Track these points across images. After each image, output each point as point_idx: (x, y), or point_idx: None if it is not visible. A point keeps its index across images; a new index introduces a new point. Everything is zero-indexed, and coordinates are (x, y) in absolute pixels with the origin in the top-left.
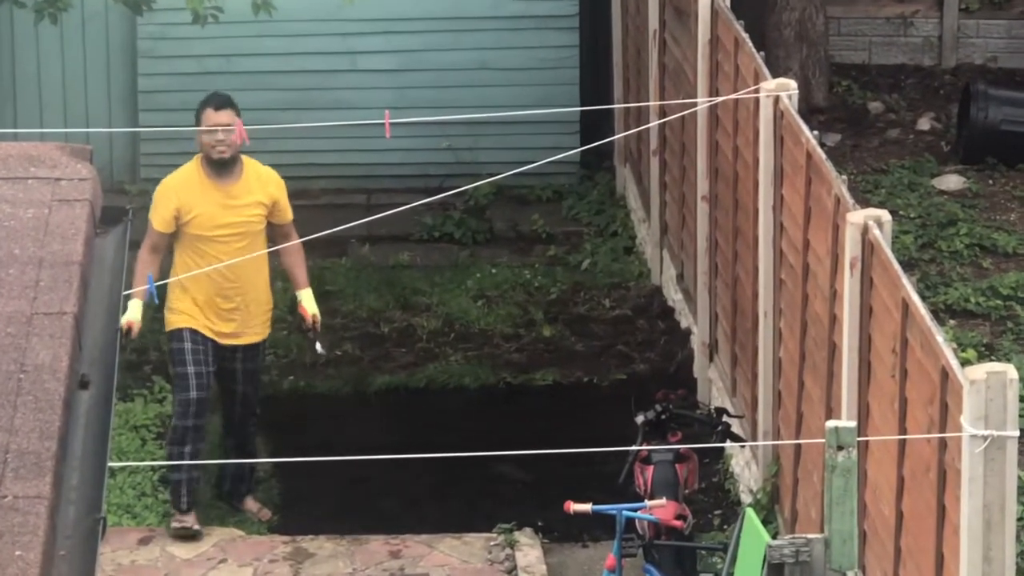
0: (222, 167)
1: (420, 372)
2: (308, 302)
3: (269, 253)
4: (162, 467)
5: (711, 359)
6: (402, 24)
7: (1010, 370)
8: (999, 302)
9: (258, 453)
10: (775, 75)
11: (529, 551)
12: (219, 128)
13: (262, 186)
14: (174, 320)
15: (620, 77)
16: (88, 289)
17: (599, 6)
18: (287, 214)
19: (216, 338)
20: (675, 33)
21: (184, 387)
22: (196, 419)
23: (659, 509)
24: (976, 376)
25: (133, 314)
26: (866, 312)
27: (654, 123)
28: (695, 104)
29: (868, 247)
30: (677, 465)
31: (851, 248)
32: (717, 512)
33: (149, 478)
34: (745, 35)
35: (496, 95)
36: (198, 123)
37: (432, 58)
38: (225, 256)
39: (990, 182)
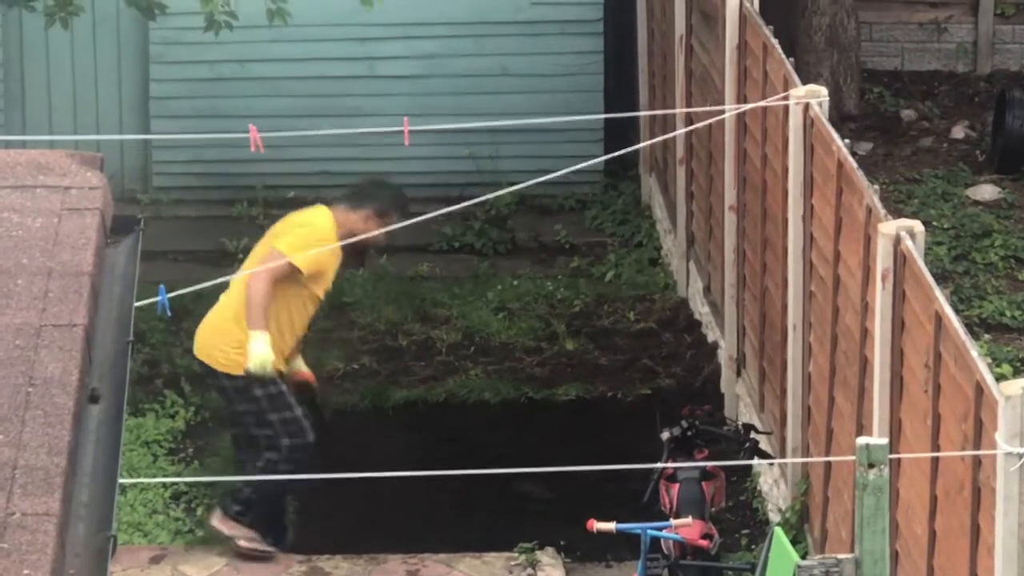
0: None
1: (439, 386)
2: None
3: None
4: (173, 483)
5: (739, 374)
6: (422, 29)
7: None
8: None
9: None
10: (805, 82)
11: (551, 571)
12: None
13: None
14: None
15: (645, 83)
16: (98, 300)
17: (624, 10)
18: None
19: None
20: (702, 38)
21: (300, 431)
22: (305, 460)
23: (685, 528)
24: (1012, 392)
25: (269, 354)
26: (898, 325)
27: (680, 131)
28: (723, 111)
29: (900, 259)
30: (703, 483)
31: (883, 260)
32: (745, 531)
33: (160, 495)
34: (774, 40)
35: (518, 102)
36: (383, 214)
37: (452, 64)
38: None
39: None
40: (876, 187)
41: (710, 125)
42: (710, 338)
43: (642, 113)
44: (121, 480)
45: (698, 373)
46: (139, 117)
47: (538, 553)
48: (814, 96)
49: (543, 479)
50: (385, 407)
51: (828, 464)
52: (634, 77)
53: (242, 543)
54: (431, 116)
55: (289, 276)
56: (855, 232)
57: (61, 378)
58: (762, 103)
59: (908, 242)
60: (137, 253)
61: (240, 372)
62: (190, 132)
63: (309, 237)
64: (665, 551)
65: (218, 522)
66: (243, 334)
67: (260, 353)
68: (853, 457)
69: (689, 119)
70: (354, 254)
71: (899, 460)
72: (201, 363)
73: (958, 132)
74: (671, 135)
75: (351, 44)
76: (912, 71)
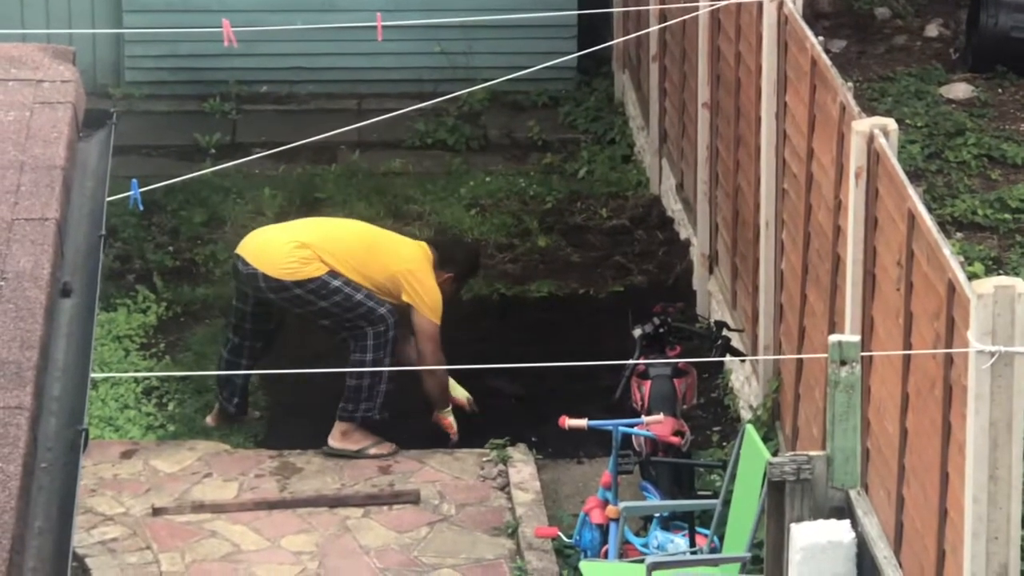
0: None
1: None
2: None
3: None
4: (145, 378)
5: (711, 271)
6: None
7: (1018, 284)
8: (1007, 215)
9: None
10: None
11: (522, 467)
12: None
13: None
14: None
15: None
16: (70, 194)
17: None
18: None
19: None
20: None
21: (379, 319)
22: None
23: (656, 425)
24: (984, 290)
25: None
26: (871, 223)
27: (654, 27)
28: (696, 8)
29: (873, 156)
30: (675, 380)
31: (856, 157)
32: (716, 428)
33: (132, 390)
34: None
35: None
36: (460, 279)
37: None
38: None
39: (999, 91)
40: (850, 85)
41: (684, 22)
42: (683, 235)
43: (616, 9)
44: (93, 374)
45: (670, 270)
46: (112, 11)
47: (509, 449)
48: None
49: (515, 376)
50: None
51: (800, 362)
52: None
53: (372, 451)
54: (404, 12)
55: (395, 290)
56: (828, 130)
57: (33, 272)
58: (736, 0)
59: (881, 140)
60: (109, 147)
61: (311, 276)
62: (163, 26)
63: (435, 290)
64: (636, 448)
65: (337, 441)
66: (313, 253)
67: (455, 423)
68: (825, 355)
69: (663, 15)
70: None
71: (871, 358)
72: (267, 277)
73: (932, 30)
74: (645, 32)
75: None
76: None
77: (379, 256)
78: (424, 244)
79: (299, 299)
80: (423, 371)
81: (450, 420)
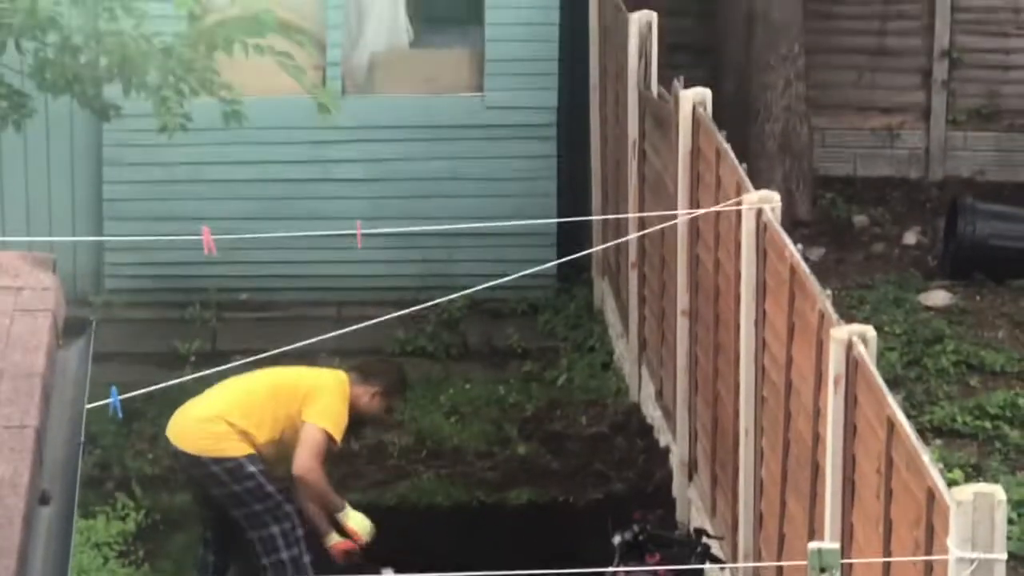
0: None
1: (391, 490)
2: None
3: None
4: None
5: (690, 478)
6: (376, 132)
7: (998, 491)
8: (986, 422)
9: None
10: (758, 187)
11: None
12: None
13: None
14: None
15: (598, 188)
16: (50, 402)
17: (577, 115)
18: None
19: None
20: (655, 143)
21: (288, 516)
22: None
23: None
24: (963, 497)
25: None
26: (850, 431)
27: (633, 235)
28: (675, 216)
29: (852, 364)
30: None
31: (835, 365)
32: None
33: None
34: (727, 146)
35: (471, 206)
36: (388, 394)
37: (406, 168)
38: None
39: (977, 298)
40: (828, 292)
41: (663, 229)
42: (662, 443)
43: (595, 217)
44: None
45: (650, 477)
46: (92, 219)
47: None
48: (767, 201)
49: None
50: None
51: (780, 569)
52: (587, 181)
53: None
54: (385, 219)
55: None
56: (807, 337)
57: (12, 479)
58: (715, 208)
59: (860, 347)
60: (89, 355)
61: (229, 455)
62: (143, 234)
63: (335, 404)
64: None
65: None
66: (230, 428)
67: (364, 523)
68: (805, 562)
69: (642, 223)
70: (353, 426)
71: (851, 565)
72: (185, 455)
73: (910, 238)
74: (624, 239)
75: (305, 147)
76: (864, 177)
77: (286, 389)
78: (342, 372)
79: (215, 478)
80: (296, 481)
81: (350, 524)
